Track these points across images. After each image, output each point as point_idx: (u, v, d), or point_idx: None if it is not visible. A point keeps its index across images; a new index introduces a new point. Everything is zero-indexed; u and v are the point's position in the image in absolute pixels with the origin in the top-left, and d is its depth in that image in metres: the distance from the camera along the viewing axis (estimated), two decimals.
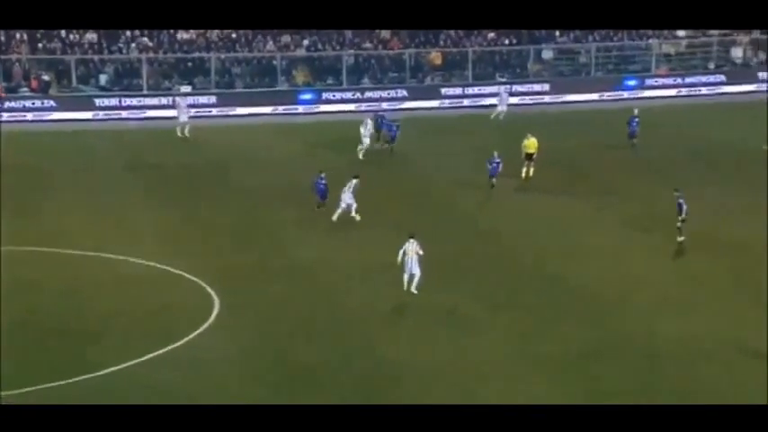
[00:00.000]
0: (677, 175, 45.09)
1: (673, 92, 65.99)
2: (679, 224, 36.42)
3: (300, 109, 62.56)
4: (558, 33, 68.36)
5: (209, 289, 32.74)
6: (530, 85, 65.37)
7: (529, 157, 44.76)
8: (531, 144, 44.95)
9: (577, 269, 34.57)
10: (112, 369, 27.05)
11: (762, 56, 69.08)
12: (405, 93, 64.04)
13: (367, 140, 49.35)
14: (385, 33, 67.39)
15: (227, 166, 48.73)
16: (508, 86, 62.42)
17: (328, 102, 63.07)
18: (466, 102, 64.23)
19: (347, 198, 38.93)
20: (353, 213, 38.99)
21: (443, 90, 64.74)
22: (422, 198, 43.04)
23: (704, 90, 66.33)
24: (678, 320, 30.29)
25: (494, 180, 43.35)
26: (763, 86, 66.79)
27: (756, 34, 69.35)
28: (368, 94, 63.68)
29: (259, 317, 30.92)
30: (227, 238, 38.16)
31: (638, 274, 34.35)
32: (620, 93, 65.53)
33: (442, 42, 67.26)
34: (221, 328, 30.02)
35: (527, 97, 64.61)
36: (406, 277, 32.01)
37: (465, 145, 52.29)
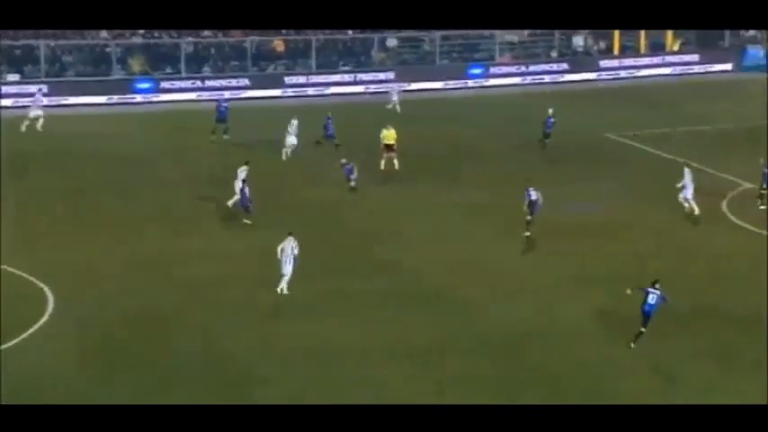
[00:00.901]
0: (526, 163, 44.82)
1: (517, 80, 65.89)
2: (528, 218, 35.61)
3: (138, 98, 60.00)
4: None
5: (42, 285, 31.06)
6: (374, 74, 64.30)
7: (388, 147, 43.32)
8: (389, 135, 43.42)
9: (421, 258, 33.99)
10: None
11: (602, 44, 69.66)
12: (247, 81, 62.10)
13: (293, 140, 45.70)
14: None
15: (70, 156, 46.53)
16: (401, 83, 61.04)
17: (167, 91, 60.65)
18: (310, 91, 62.71)
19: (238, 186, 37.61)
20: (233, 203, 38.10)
21: (287, 79, 63.06)
22: (278, 193, 41.10)
23: (547, 78, 66.46)
24: (519, 306, 30.10)
25: (352, 183, 40.98)
26: (603, 75, 67.48)
27: None
28: (208, 83, 61.59)
29: (94, 313, 29.43)
30: (64, 233, 36.23)
31: (486, 261, 33.76)
32: (464, 81, 65.09)
33: (284, 30, 65.52)
34: (54, 325, 28.59)
35: (372, 86, 63.58)
36: (286, 280, 30.46)
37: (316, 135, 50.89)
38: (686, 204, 37.62)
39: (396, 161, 42.88)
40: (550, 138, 47.55)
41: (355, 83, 63.25)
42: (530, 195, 35.56)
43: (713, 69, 68.79)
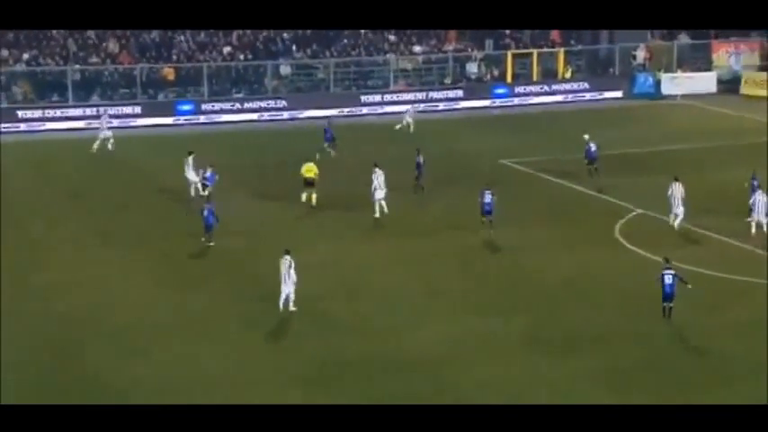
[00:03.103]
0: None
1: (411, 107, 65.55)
2: (483, 219, 37.69)
3: (23, 127, 58.13)
4: (294, 48, 66.90)
5: None
6: (267, 101, 63.50)
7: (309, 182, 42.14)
8: (309, 170, 42.25)
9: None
10: None
11: (495, 72, 69.93)
12: (138, 109, 60.75)
13: (382, 194, 40.45)
14: (113, 47, 63.80)
15: None
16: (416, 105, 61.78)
17: (54, 119, 58.89)
18: (202, 118, 61.63)
19: (191, 176, 41.88)
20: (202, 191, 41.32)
21: (178, 106, 61.85)
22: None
23: (442, 105, 66.38)
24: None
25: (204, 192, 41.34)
26: (496, 101, 67.71)
27: (489, 50, 70.40)
28: (98, 111, 60.01)
29: None
30: None
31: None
32: (359, 108, 64.61)
33: (174, 57, 64.33)
34: None
35: (265, 113, 62.81)
36: (282, 297, 30.06)
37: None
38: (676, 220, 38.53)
39: (314, 195, 41.99)
40: (596, 161, 45.93)
41: (249, 110, 62.41)
42: (484, 196, 37.51)
43: (604, 96, 69.60)
